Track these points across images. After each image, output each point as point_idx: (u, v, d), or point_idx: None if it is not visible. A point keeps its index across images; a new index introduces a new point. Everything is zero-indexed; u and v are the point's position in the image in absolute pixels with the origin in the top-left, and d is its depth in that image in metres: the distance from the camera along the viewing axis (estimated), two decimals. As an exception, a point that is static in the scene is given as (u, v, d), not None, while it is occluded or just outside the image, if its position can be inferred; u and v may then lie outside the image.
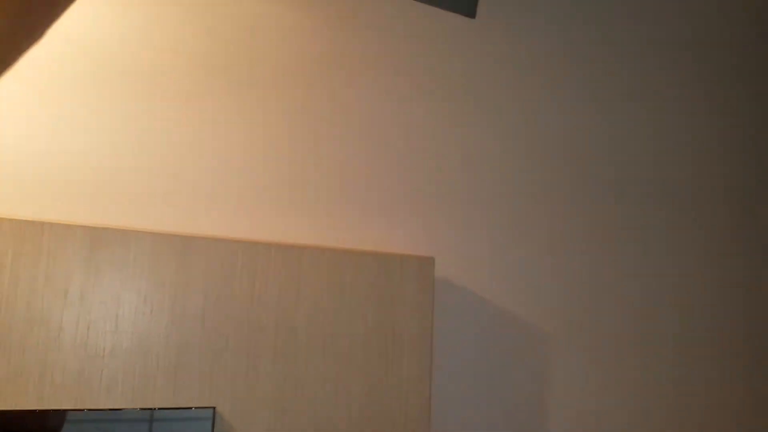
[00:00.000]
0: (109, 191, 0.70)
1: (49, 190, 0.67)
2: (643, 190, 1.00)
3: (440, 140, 0.87)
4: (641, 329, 0.96)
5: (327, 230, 0.80)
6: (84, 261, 0.61)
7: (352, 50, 0.83)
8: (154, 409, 0.63)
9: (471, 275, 0.85)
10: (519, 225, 0.90)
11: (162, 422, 0.63)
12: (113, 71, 0.72)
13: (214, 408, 0.65)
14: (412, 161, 0.85)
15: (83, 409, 0.60)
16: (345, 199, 0.81)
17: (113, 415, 0.61)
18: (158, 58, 0.73)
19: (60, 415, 0.59)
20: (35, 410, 0.58)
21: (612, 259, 0.96)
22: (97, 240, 0.62)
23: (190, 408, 0.64)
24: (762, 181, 1.11)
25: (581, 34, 0.98)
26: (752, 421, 1.02)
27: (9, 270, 0.59)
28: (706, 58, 1.09)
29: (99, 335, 0.61)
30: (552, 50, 0.95)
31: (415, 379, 0.75)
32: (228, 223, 0.75)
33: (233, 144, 0.77)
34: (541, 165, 0.92)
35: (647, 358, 0.96)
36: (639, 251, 0.98)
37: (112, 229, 0.63)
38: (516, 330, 0.88)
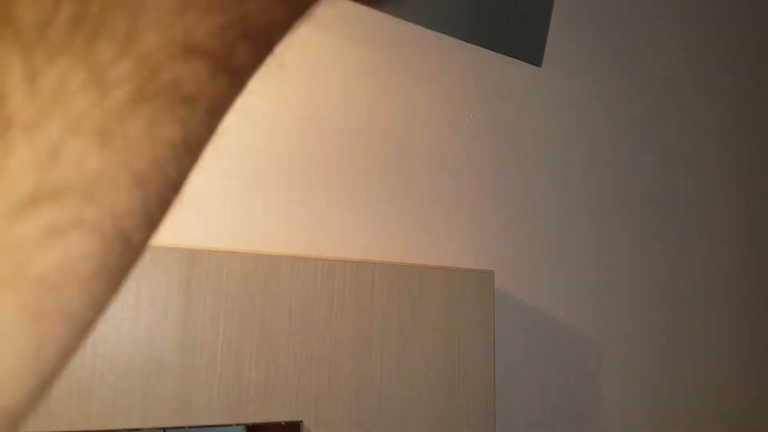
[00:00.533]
0: (200, 213, 0.71)
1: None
2: (708, 214, 1.06)
3: (502, 166, 0.90)
4: (708, 348, 1.03)
5: (392, 245, 0.83)
6: (183, 282, 0.63)
7: (416, 91, 0.86)
8: (248, 425, 0.65)
9: (530, 288, 0.90)
10: (577, 238, 0.94)
11: (256, 437, 0.65)
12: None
13: (300, 422, 0.68)
14: (472, 184, 0.88)
15: (184, 427, 0.62)
16: (411, 215, 0.84)
17: None
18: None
19: None
20: (138, 429, 0.60)
21: (674, 276, 1.02)
22: (194, 261, 0.64)
23: (281, 423, 0.67)
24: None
25: (646, 80, 1.03)
26: None
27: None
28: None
29: (197, 353, 0.63)
30: (616, 96, 1.00)
31: (480, 391, 0.78)
32: (308, 241, 0.77)
33: (308, 171, 0.79)
34: (601, 187, 0.97)
35: (710, 377, 1.03)
36: (702, 269, 1.05)
37: (206, 251, 0.64)
38: (574, 342, 0.93)
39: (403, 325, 0.75)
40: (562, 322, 0.93)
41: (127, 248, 0.17)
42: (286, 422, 0.67)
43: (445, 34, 0.55)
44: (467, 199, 0.88)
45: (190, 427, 0.62)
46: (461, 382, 0.78)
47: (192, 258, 0.64)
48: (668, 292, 1.02)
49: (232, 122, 0.71)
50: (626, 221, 1.00)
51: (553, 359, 0.91)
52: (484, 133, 0.90)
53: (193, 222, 0.72)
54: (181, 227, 0.71)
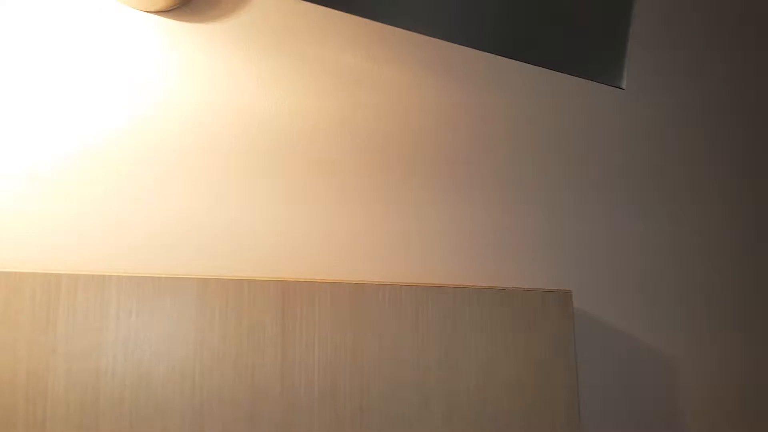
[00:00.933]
0: (292, 247, 0.75)
1: (242, 251, 0.72)
2: None
3: (576, 188, 0.91)
4: None
5: (471, 269, 0.84)
6: (279, 312, 0.65)
7: (493, 119, 0.89)
8: (348, 450, 0.66)
9: (606, 306, 0.89)
10: (653, 258, 0.94)
11: (356, 463, 0.66)
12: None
13: (397, 446, 0.68)
14: (547, 206, 0.90)
15: (287, 454, 0.63)
16: (488, 239, 0.86)
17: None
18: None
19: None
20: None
21: (752, 296, 1.00)
22: (288, 292, 0.66)
23: (379, 448, 0.67)
24: None
25: (728, 102, 1.05)
26: None
27: (218, 326, 0.63)
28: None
29: (295, 382, 0.65)
30: (695, 119, 1.02)
31: (564, 409, 0.77)
32: (392, 269, 0.79)
33: (388, 202, 0.82)
34: (678, 208, 0.98)
35: None
36: None
37: (298, 281, 0.67)
38: (651, 360, 0.91)
39: (487, 349, 0.76)
40: (640, 340, 0.91)
41: None
42: (383, 448, 0.68)
43: (527, 62, 0.56)
44: (542, 222, 0.89)
45: (293, 454, 0.63)
46: (545, 400, 0.77)
47: (285, 289, 0.66)
48: (747, 312, 1.00)
49: (315, 159, 0.74)
50: (702, 240, 0.99)
51: (631, 376, 0.89)
52: (559, 156, 0.91)
53: (285, 255, 0.75)
54: (274, 261, 0.74)
